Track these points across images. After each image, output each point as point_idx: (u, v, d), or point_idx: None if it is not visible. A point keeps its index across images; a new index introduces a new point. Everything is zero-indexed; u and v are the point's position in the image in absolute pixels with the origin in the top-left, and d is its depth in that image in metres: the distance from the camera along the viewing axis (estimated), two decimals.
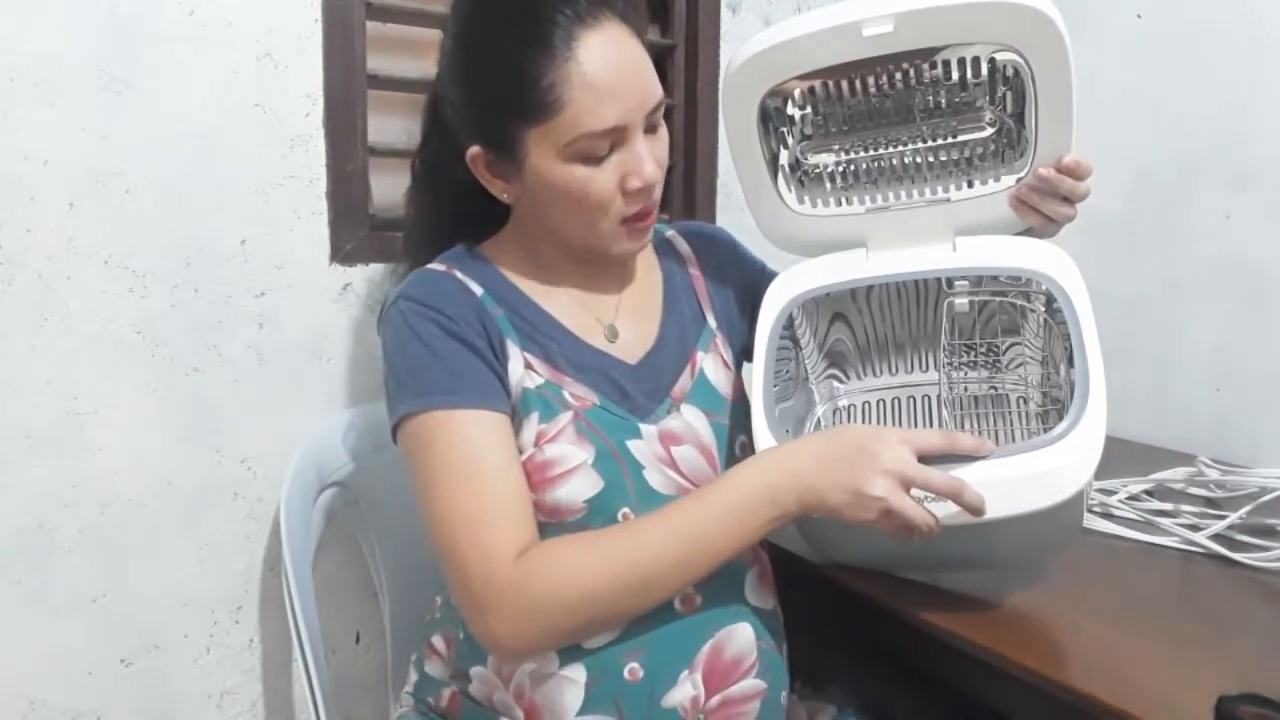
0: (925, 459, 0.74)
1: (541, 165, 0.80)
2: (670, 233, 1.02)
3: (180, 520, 1.08)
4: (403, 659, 0.98)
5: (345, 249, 1.15)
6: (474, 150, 0.84)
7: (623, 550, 0.75)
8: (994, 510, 0.73)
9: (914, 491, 0.73)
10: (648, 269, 0.96)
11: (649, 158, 0.80)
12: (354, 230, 1.15)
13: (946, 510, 0.73)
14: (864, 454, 0.73)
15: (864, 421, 0.99)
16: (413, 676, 0.92)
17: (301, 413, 1.14)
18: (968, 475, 0.73)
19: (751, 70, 0.83)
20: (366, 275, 1.17)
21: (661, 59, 1.46)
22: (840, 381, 1.01)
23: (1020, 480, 0.73)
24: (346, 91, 1.12)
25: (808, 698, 0.98)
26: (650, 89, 0.81)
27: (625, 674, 0.79)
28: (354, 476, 1.11)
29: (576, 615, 0.75)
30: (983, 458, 0.74)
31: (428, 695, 0.89)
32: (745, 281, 1.00)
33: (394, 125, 1.21)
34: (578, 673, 0.79)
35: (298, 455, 1.05)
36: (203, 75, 1.04)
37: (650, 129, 0.82)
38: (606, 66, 0.77)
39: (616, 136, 0.79)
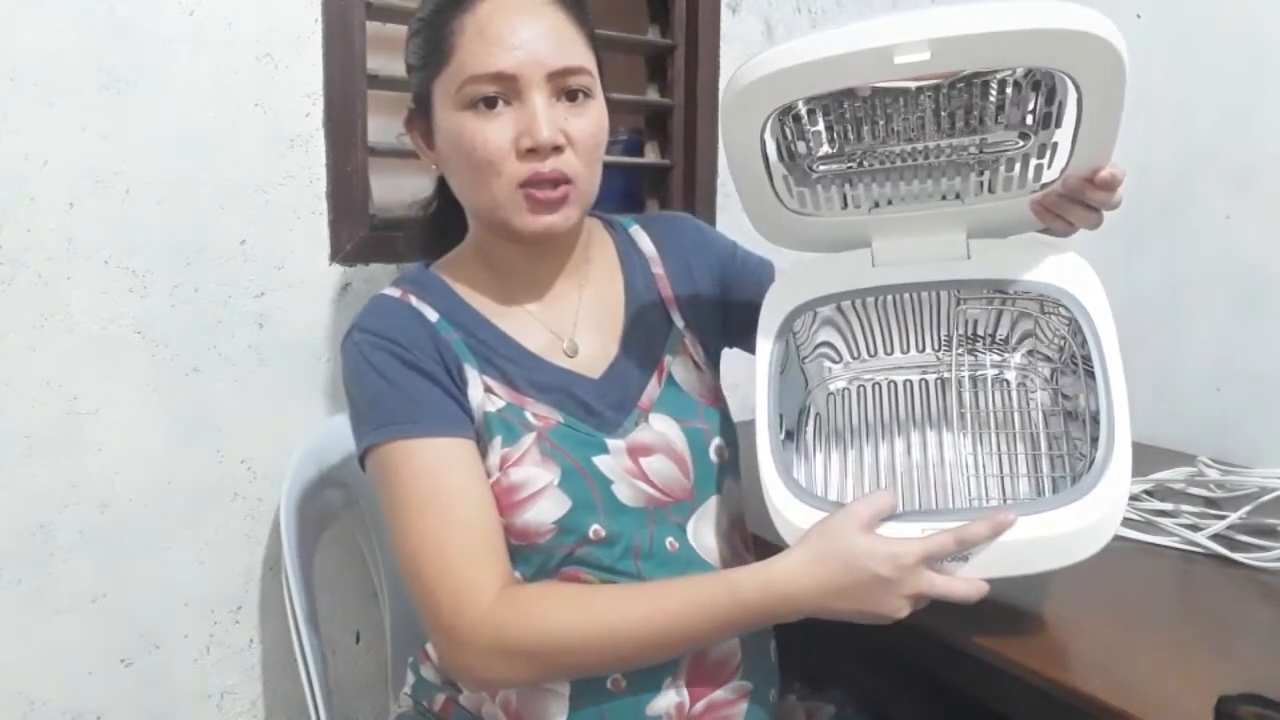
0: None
1: (441, 117, 0.82)
2: (633, 228, 0.98)
3: (180, 520, 1.08)
4: (402, 659, 0.98)
5: (345, 249, 1.15)
6: (407, 115, 0.87)
7: (606, 623, 0.74)
8: (1022, 569, 0.72)
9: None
10: (608, 275, 0.93)
11: (545, 118, 0.78)
12: (354, 230, 1.15)
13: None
14: (882, 584, 0.71)
15: (859, 408, 0.96)
16: (410, 678, 0.92)
17: (301, 413, 1.14)
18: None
19: (761, 90, 0.75)
20: (366, 275, 1.17)
21: (661, 59, 1.46)
22: (833, 361, 0.97)
23: (1049, 540, 0.71)
24: (346, 91, 1.12)
25: (807, 698, 0.98)
26: (554, 49, 0.79)
27: (608, 684, 0.79)
28: (354, 476, 1.11)
29: (549, 668, 0.76)
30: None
31: (423, 699, 0.89)
32: (715, 270, 0.98)
33: (394, 125, 1.20)
34: (562, 684, 0.79)
35: (298, 455, 1.05)
36: (203, 75, 1.04)
37: (568, 98, 0.81)
38: (504, 17, 0.78)
39: (508, 87, 0.78)
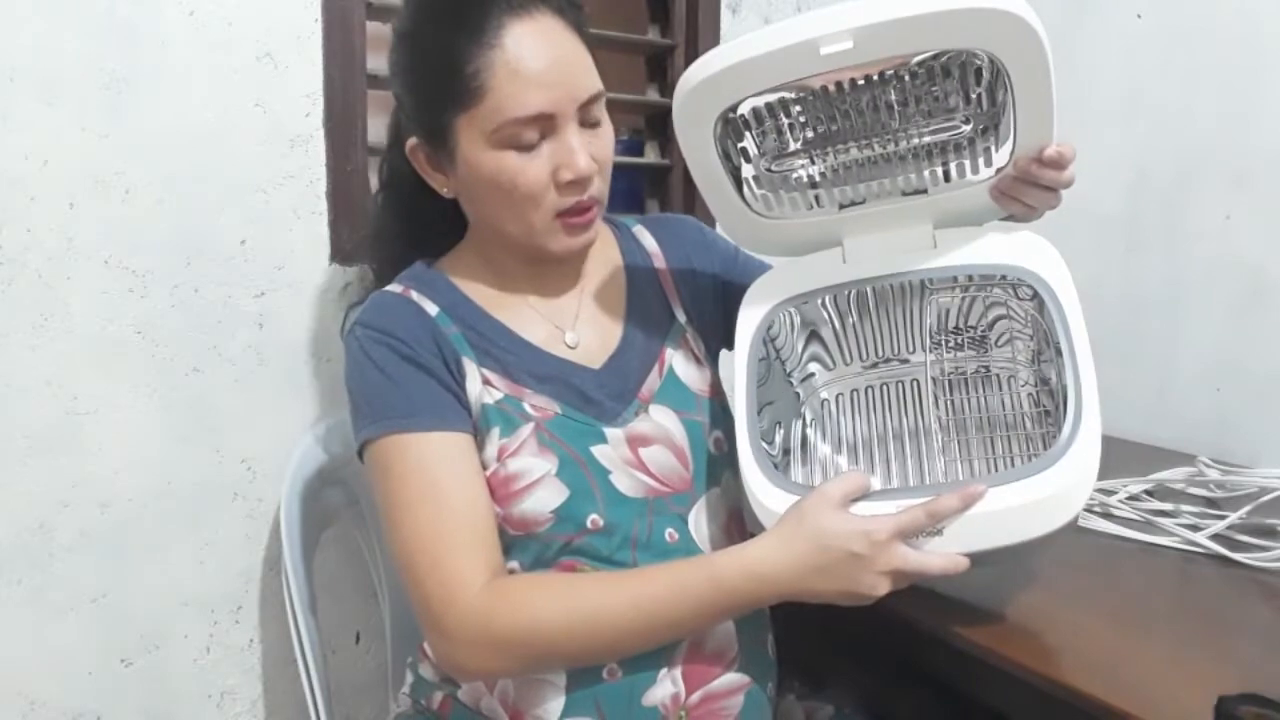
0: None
1: (470, 154, 0.81)
2: (636, 227, 1.00)
3: (180, 520, 1.08)
4: (402, 659, 0.98)
5: (345, 249, 1.15)
6: (412, 142, 0.85)
7: (590, 612, 0.75)
8: (997, 540, 0.73)
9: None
10: (610, 269, 0.95)
11: (582, 150, 0.80)
12: (354, 230, 1.15)
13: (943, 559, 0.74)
14: (858, 561, 0.72)
15: (851, 413, 0.97)
16: (409, 678, 0.92)
17: (301, 413, 1.14)
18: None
19: (702, 94, 0.79)
20: (366, 275, 1.17)
21: (661, 59, 1.46)
22: (825, 367, 0.99)
23: (1020, 508, 0.72)
24: (346, 91, 1.12)
25: (806, 697, 0.98)
26: (581, 81, 0.80)
27: (604, 674, 0.80)
28: (354, 476, 1.11)
29: (535, 658, 0.77)
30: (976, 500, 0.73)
31: (421, 697, 0.90)
32: (717, 269, 0.99)
33: None
34: (558, 676, 0.80)
35: (298, 455, 1.05)
36: (203, 75, 1.04)
37: (589, 124, 0.82)
38: (534, 55, 0.78)
39: (545, 125, 0.79)
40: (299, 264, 1.12)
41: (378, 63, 1.16)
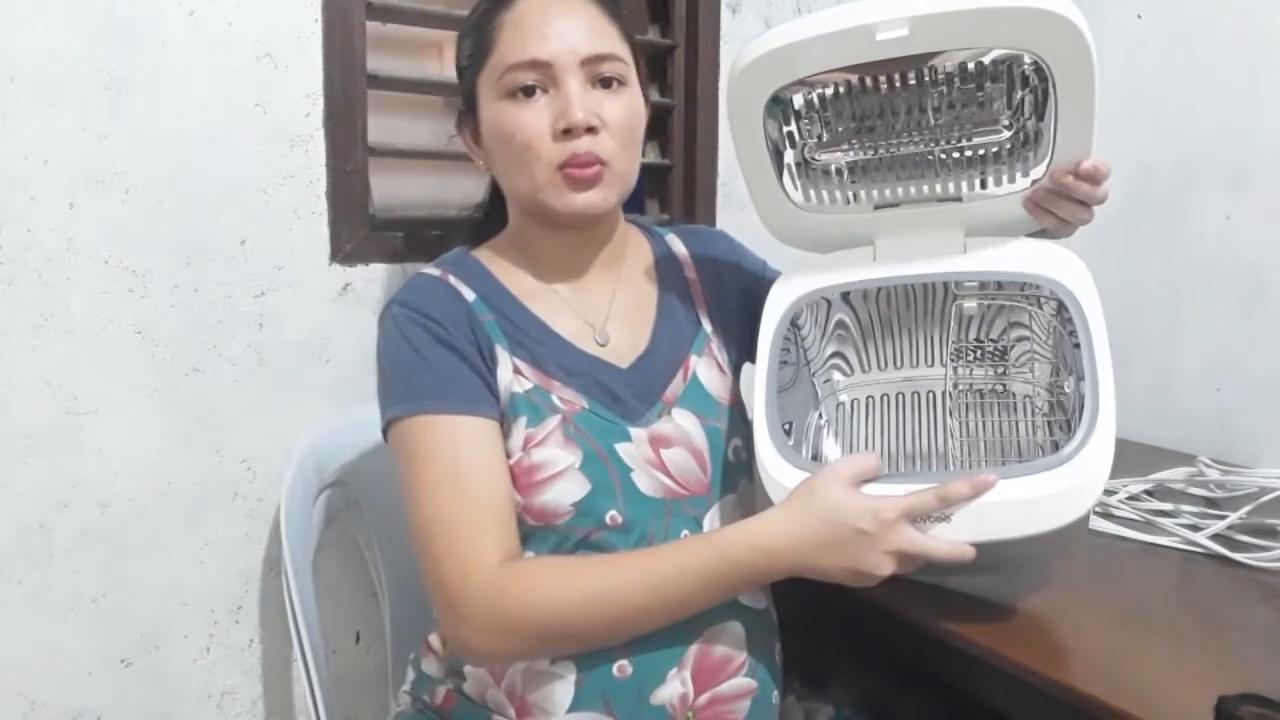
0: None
1: (485, 110, 0.86)
2: (669, 236, 1.02)
3: (180, 520, 1.08)
4: (402, 659, 0.98)
5: (345, 249, 1.15)
6: (458, 115, 0.91)
7: (600, 589, 0.76)
8: (1004, 532, 0.73)
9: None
10: (643, 272, 0.96)
11: (579, 103, 0.81)
12: (354, 230, 1.15)
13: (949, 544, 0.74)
14: (864, 539, 0.72)
15: (867, 419, 0.98)
16: (410, 675, 0.93)
17: (301, 413, 1.14)
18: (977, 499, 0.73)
19: (758, 71, 0.81)
20: (366, 275, 1.17)
21: (661, 59, 1.46)
22: (843, 374, 1.00)
23: (1029, 502, 0.72)
24: (346, 91, 1.12)
25: (805, 698, 0.98)
26: (586, 38, 0.83)
27: (614, 671, 0.80)
28: (354, 476, 1.11)
29: (547, 639, 0.77)
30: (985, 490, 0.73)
31: (424, 693, 0.90)
32: (744, 283, 1.00)
33: (394, 125, 1.21)
34: (567, 669, 0.80)
35: (298, 455, 1.05)
36: (203, 75, 1.04)
37: (602, 84, 0.84)
38: (538, 10, 0.83)
39: (543, 74, 0.82)
40: (299, 264, 1.12)
41: (378, 63, 1.16)
